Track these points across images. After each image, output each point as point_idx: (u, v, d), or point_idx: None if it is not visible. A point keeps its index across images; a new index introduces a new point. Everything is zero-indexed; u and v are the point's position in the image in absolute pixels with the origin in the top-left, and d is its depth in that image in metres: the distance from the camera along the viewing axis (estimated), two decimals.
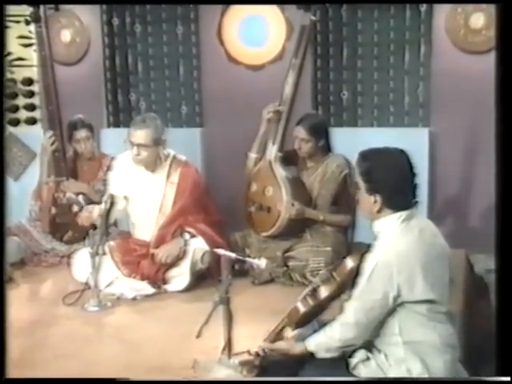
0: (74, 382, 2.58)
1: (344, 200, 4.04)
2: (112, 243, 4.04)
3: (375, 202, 2.45)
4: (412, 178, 2.47)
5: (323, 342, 2.48)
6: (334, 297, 2.60)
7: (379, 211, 2.46)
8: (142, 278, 3.92)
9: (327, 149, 4.16)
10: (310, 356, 2.50)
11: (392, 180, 2.43)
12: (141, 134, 3.93)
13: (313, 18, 4.17)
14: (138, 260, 3.99)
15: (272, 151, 4.18)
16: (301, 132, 4.05)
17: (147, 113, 4.25)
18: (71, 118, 4.62)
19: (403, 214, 2.44)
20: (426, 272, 2.37)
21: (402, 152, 2.49)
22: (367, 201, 2.48)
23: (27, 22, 4.64)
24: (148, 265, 3.93)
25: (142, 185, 4.08)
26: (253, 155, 4.26)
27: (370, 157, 2.50)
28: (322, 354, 2.48)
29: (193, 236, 3.98)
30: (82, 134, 4.58)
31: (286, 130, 4.18)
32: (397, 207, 2.44)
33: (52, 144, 4.52)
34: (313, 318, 2.65)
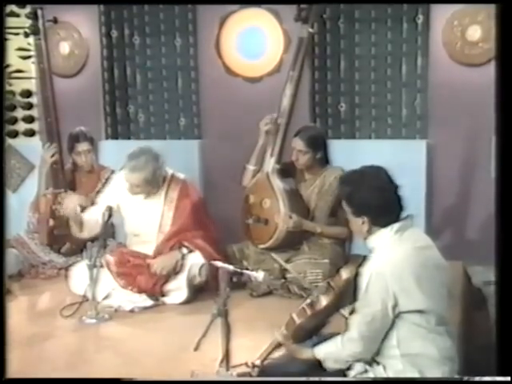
0: (75, 382, 2.58)
1: (341, 212, 4.03)
2: (108, 255, 3.99)
3: (363, 222, 2.49)
4: (394, 191, 2.49)
5: (333, 351, 2.49)
6: (331, 308, 2.59)
7: (369, 230, 2.50)
8: (140, 291, 3.90)
9: (325, 161, 4.16)
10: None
11: (375, 201, 2.45)
12: (135, 177, 3.90)
13: (310, 30, 4.19)
14: (133, 271, 3.95)
15: (270, 163, 4.18)
16: (299, 144, 4.06)
17: (145, 148, 3.96)
18: (71, 129, 4.61)
19: (395, 225, 2.46)
20: (420, 282, 2.38)
21: (378, 169, 2.51)
22: (355, 222, 2.53)
23: (26, 35, 4.65)
24: (145, 278, 3.90)
25: (138, 206, 4.06)
26: (251, 167, 4.26)
27: (349, 182, 2.55)
28: (329, 364, 2.48)
29: (190, 251, 3.97)
30: (83, 146, 4.57)
31: (284, 142, 4.18)
32: (385, 224, 2.47)
33: (52, 156, 4.52)
34: (312, 332, 2.65)
